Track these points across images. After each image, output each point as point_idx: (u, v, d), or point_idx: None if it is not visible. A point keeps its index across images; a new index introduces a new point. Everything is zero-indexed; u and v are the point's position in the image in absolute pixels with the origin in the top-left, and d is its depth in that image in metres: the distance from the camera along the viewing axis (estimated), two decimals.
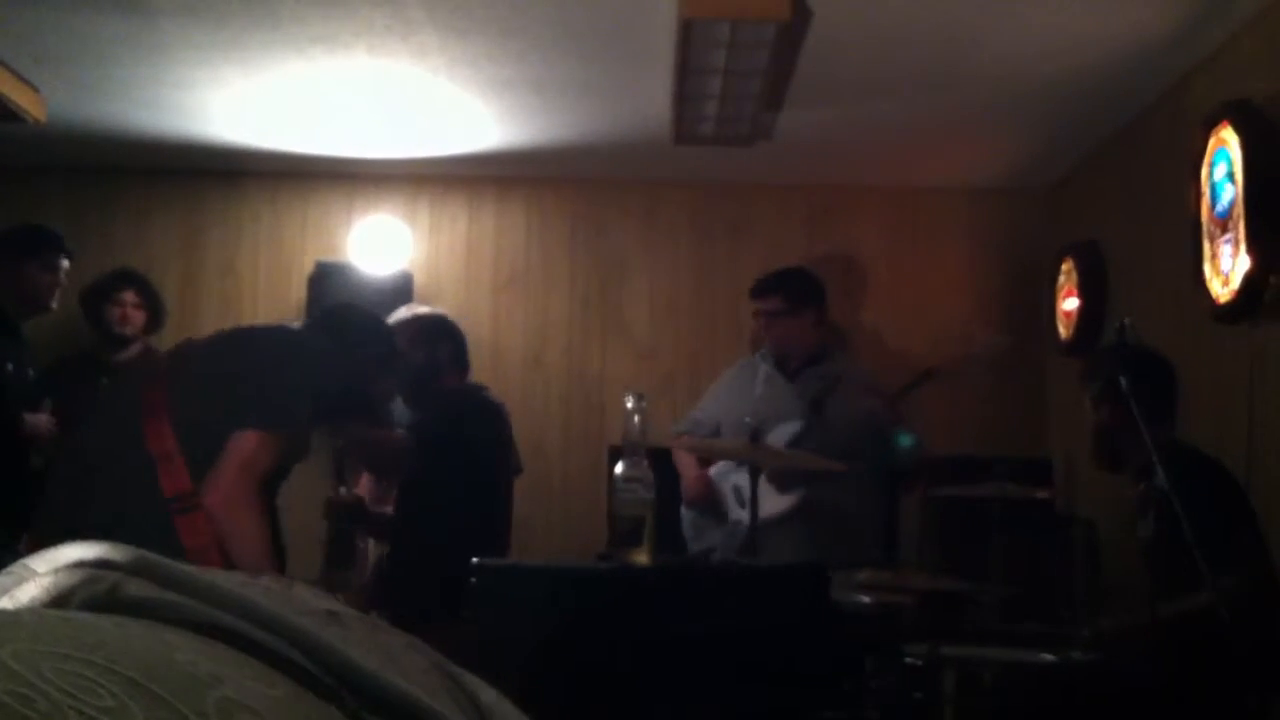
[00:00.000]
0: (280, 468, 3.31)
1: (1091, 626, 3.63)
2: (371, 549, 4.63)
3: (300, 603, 0.59)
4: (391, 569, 4.43)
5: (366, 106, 5.55)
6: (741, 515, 4.25)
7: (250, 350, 3.46)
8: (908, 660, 3.42)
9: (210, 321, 6.41)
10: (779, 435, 4.44)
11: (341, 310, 3.96)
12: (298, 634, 0.50)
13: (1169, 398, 3.72)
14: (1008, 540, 4.15)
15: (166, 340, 5.97)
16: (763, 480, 4.20)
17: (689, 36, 4.45)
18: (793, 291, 4.82)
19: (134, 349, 5.62)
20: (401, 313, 4.64)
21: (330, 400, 3.36)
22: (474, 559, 3.06)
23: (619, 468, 3.08)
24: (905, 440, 4.54)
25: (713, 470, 4.77)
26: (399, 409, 4.44)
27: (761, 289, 4.92)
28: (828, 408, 4.53)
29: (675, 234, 6.61)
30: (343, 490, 4.29)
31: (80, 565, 0.50)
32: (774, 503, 4.41)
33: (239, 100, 5.47)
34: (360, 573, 4.69)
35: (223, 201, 6.56)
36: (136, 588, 0.50)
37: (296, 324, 4.07)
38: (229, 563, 3.02)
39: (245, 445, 3.14)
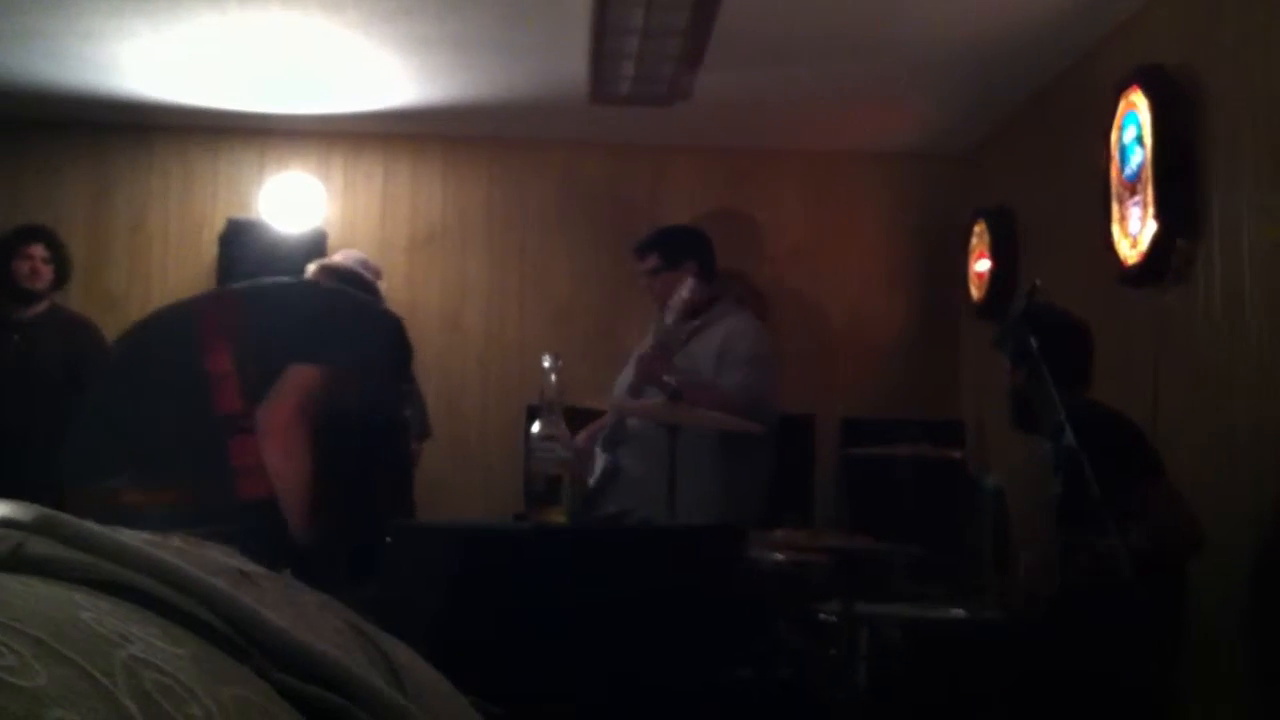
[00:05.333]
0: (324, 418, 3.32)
1: (1000, 584, 3.69)
2: None
3: (211, 562, 0.59)
4: None
5: (279, 61, 5.46)
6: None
7: (328, 296, 3.53)
8: (822, 618, 3.46)
9: (119, 278, 6.31)
10: (619, 388, 4.51)
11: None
12: (207, 593, 0.50)
13: (1081, 358, 3.77)
14: (920, 499, 4.22)
15: (73, 296, 5.87)
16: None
17: None
18: (669, 248, 4.80)
19: (41, 305, 5.51)
20: (334, 259, 4.60)
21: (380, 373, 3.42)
22: (385, 519, 3.06)
23: (535, 427, 3.07)
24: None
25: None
26: None
27: (640, 248, 4.90)
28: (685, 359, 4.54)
29: (593, 195, 6.59)
30: None
31: None
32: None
33: (149, 53, 5.36)
34: None
35: (132, 156, 6.43)
36: (42, 546, 0.49)
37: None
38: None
39: (303, 377, 3.14)
